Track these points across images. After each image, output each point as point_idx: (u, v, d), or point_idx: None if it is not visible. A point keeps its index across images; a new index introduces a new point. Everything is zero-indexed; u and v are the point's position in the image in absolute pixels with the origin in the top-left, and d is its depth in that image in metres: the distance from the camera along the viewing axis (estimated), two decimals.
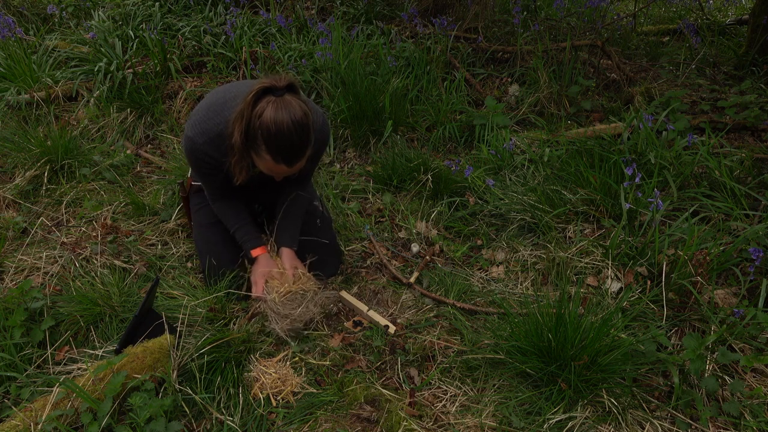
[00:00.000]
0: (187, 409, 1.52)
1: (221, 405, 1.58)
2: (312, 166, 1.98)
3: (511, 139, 2.72)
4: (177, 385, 1.54)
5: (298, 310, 1.79)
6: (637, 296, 1.84)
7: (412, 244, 2.29)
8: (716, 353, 1.61)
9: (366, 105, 2.92)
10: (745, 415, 1.52)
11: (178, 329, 1.68)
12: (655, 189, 2.06)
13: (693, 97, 3.22)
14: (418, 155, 2.65)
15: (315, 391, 1.64)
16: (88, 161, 2.79)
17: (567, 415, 1.51)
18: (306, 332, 1.85)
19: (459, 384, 1.65)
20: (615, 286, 1.91)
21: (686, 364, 1.58)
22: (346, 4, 4.24)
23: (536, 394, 1.58)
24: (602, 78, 3.42)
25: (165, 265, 2.14)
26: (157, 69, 3.35)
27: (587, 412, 1.52)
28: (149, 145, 3.15)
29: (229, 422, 1.51)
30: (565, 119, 3.06)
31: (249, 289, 1.91)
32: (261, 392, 1.62)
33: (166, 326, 1.66)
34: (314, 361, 1.74)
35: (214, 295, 1.85)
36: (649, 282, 1.90)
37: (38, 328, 1.75)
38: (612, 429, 1.50)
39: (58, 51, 3.54)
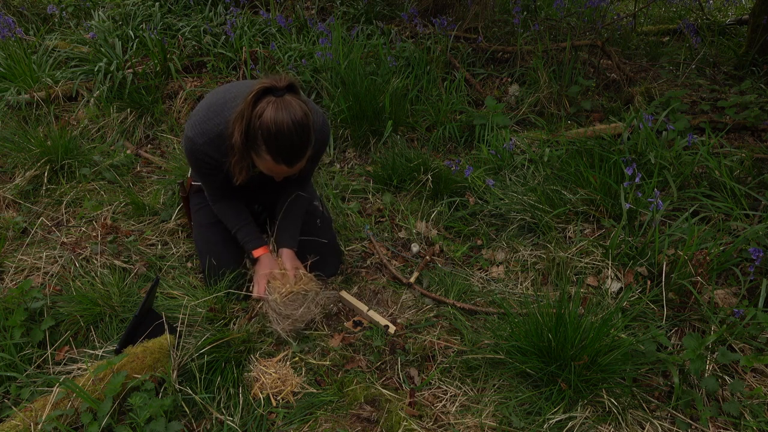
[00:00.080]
0: (187, 409, 1.52)
1: (221, 405, 1.58)
2: (312, 167, 1.98)
3: (511, 139, 2.72)
4: (177, 385, 1.54)
5: (300, 310, 1.79)
6: (637, 296, 1.84)
7: (412, 244, 2.29)
8: (716, 353, 1.61)
9: (366, 105, 2.92)
10: (745, 415, 1.52)
11: (178, 329, 1.68)
12: (655, 189, 2.06)
13: (693, 97, 3.22)
14: (418, 155, 2.65)
15: (315, 391, 1.64)
16: (88, 161, 2.79)
17: (567, 415, 1.51)
18: (306, 332, 1.85)
19: (459, 384, 1.65)
20: (615, 286, 1.91)
21: (686, 364, 1.58)
22: (346, 4, 4.24)
23: (536, 394, 1.58)
24: (602, 78, 3.42)
25: (165, 265, 2.14)
26: (157, 69, 3.35)
27: (587, 412, 1.52)
28: (149, 145, 3.15)
29: (229, 422, 1.51)
30: (565, 119, 3.06)
31: (250, 289, 1.91)
32: (261, 392, 1.62)
33: (166, 326, 1.66)
34: (314, 361, 1.74)
35: (214, 295, 1.85)
36: (649, 282, 1.90)
37: (38, 328, 1.75)
38: (612, 429, 1.50)
39: (58, 51, 3.54)
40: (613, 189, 2.22)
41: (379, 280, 2.10)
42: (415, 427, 1.48)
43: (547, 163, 2.56)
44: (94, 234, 2.30)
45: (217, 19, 3.88)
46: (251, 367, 1.69)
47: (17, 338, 1.69)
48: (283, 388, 1.63)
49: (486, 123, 2.95)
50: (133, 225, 2.41)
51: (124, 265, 2.12)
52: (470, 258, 2.23)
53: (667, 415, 1.55)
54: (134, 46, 3.49)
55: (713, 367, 1.61)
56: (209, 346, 1.63)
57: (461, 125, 3.05)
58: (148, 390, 1.46)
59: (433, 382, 1.67)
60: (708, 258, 1.81)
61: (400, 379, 1.68)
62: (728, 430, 1.51)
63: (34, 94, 3.16)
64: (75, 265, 2.08)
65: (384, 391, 1.60)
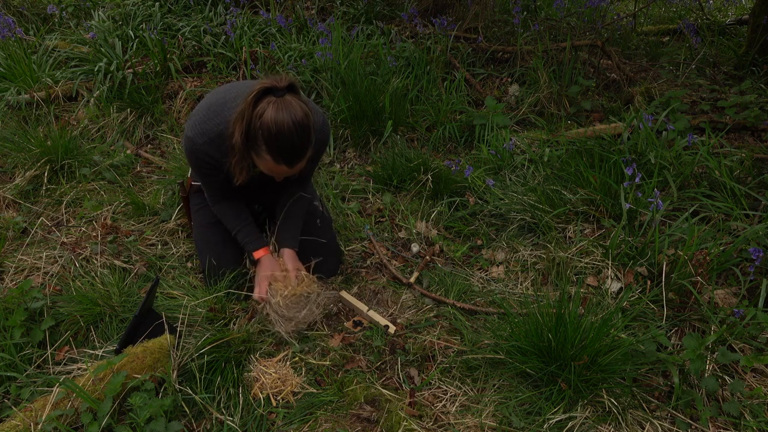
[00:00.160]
0: (187, 409, 1.52)
1: (221, 405, 1.58)
2: (312, 167, 1.98)
3: (511, 139, 2.72)
4: (177, 385, 1.54)
5: (303, 312, 1.79)
6: (637, 296, 1.84)
7: (412, 244, 2.29)
8: (716, 353, 1.61)
9: (366, 105, 2.92)
10: (745, 415, 1.53)
11: (178, 329, 1.68)
12: (655, 189, 2.06)
13: (693, 97, 3.22)
14: (418, 155, 2.65)
15: (315, 391, 1.64)
16: (88, 161, 2.79)
17: (567, 415, 1.51)
18: (306, 332, 1.85)
19: (459, 384, 1.65)
20: (615, 286, 1.91)
21: (686, 364, 1.58)
22: (346, 4, 4.24)
23: (536, 394, 1.58)
24: (602, 78, 3.42)
25: (165, 265, 2.14)
26: (157, 69, 3.35)
27: (587, 412, 1.52)
28: (149, 145, 3.15)
29: (229, 422, 1.51)
30: (565, 119, 3.06)
31: (251, 288, 1.91)
32: (261, 392, 1.62)
33: (166, 326, 1.66)
34: (314, 361, 1.74)
35: (214, 295, 1.85)
36: (649, 282, 1.90)
37: (38, 328, 1.75)
38: (612, 429, 1.50)
39: (58, 51, 3.54)
40: (613, 189, 2.22)
41: (379, 280, 2.10)
42: (415, 427, 1.48)
43: (547, 163, 2.56)
44: (94, 234, 2.30)
45: (217, 19, 3.88)
46: (251, 367, 1.69)
47: (17, 338, 1.69)
48: (283, 388, 1.63)
49: (486, 123, 2.95)
50: (133, 225, 2.41)
51: (124, 265, 2.12)
52: (470, 258, 2.23)
53: (667, 415, 1.55)
54: (134, 46, 3.49)
55: (713, 367, 1.61)
56: (209, 346, 1.63)
57: (461, 125, 3.05)
58: (148, 390, 1.46)
59: (433, 382, 1.67)
60: (708, 258, 1.81)
61: (400, 379, 1.68)
62: (728, 430, 1.51)
63: (34, 94, 3.16)
64: (75, 265, 2.08)
65: (384, 391, 1.60)
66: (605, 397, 1.53)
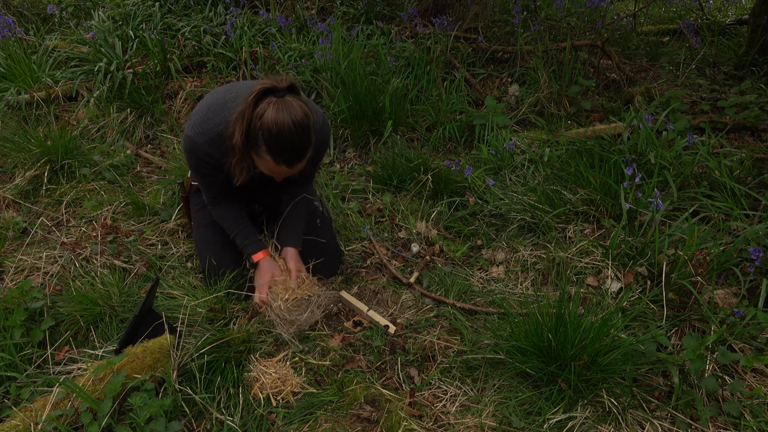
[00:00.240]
0: (187, 409, 1.52)
1: (221, 405, 1.58)
2: (313, 168, 1.98)
3: (511, 139, 2.72)
4: (177, 385, 1.54)
5: (305, 315, 1.79)
6: (637, 296, 1.84)
7: (412, 244, 2.29)
8: (716, 353, 1.61)
9: (366, 105, 2.92)
10: (745, 415, 1.53)
11: (178, 329, 1.68)
12: (655, 189, 2.06)
13: (693, 97, 3.22)
14: (418, 155, 2.65)
15: (315, 391, 1.64)
16: (88, 161, 2.79)
17: (567, 415, 1.51)
18: (306, 332, 1.85)
19: (459, 384, 1.65)
20: (615, 286, 1.91)
21: (686, 364, 1.58)
22: (346, 4, 4.24)
23: (536, 394, 1.58)
24: (602, 78, 3.42)
25: (165, 265, 2.14)
26: (157, 69, 3.35)
27: (587, 412, 1.52)
28: (149, 145, 3.15)
29: (229, 422, 1.51)
30: (565, 119, 3.06)
31: (251, 288, 1.91)
32: (261, 392, 1.62)
33: (166, 326, 1.66)
34: (314, 361, 1.74)
35: (214, 295, 1.85)
36: (649, 282, 1.90)
37: (38, 328, 1.75)
38: (612, 429, 1.50)
39: (58, 51, 3.54)
40: (613, 189, 2.22)
41: (379, 280, 2.10)
42: (415, 427, 1.48)
43: (547, 163, 2.56)
44: (94, 234, 2.30)
45: (217, 19, 3.88)
46: (251, 367, 1.69)
47: (17, 338, 1.69)
48: (283, 388, 1.63)
49: (486, 123, 2.95)
50: (133, 225, 2.41)
51: (124, 265, 2.12)
52: (470, 258, 2.23)
53: (667, 415, 1.55)
54: (134, 46, 3.49)
55: (713, 367, 1.61)
56: (209, 346, 1.63)
57: (461, 125, 3.05)
58: (148, 390, 1.46)
59: (433, 382, 1.67)
60: (708, 258, 1.81)
61: (400, 379, 1.68)
62: (728, 430, 1.51)
63: (34, 94, 3.16)
64: (75, 265, 2.08)
65: (384, 391, 1.60)
66: (605, 397, 1.53)
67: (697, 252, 1.83)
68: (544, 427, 1.49)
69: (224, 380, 1.62)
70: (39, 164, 2.67)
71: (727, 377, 1.61)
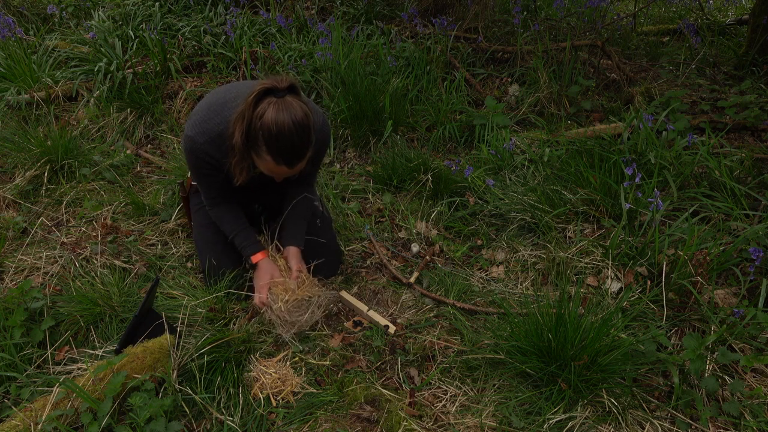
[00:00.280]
0: (187, 409, 1.52)
1: (221, 405, 1.58)
2: (314, 168, 1.97)
3: (511, 139, 2.72)
4: (177, 385, 1.54)
5: (305, 316, 1.79)
6: (637, 296, 1.84)
7: (412, 244, 2.29)
8: (716, 353, 1.61)
9: (366, 105, 2.92)
10: (745, 415, 1.53)
11: (178, 329, 1.68)
12: (655, 189, 2.06)
13: (693, 97, 3.22)
14: (418, 155, 2.65)
15: (315, 391, 1.64)
16: (88, 161, 2.79)
17: (567, 415, 1.51)
18: (306, 332, 1.85)
19: (459, 384, 1.65)
20: (615, 286, 1.91)
21: (686, 364, 1.58)
22: (346, 4, 4.24)
23: (536, 394, 1.58)
24: (602, 78, 3.42)
25: (165, 265, 2.14)
26: (157, 69, 3.35)
27: (587, 412, 1.52)
28: (149, 145, 3.15)
29: (229, 422, 1.51)
30: (565, 119, 3.06)
31: (251, 288, 1.91)
32: (261, 392, 1.62)
33: (166, 326, 1.66)
34: (314, 361, 1.74)
35: (214, 295, 1.85)
36: (649, 282, 1.90)
37: (38, 328, 1.75)
38: (612, 429, 1.50)
39: (58, 51, 3.54)
40: (613, 189, 2.22)
41: (379, 280, 2.10)
42: (415, 427, 1.48)
43: (547, 163, 2.56)
44: (94, 234, 2.30)
45: (217, 19, 3.88)
46: (251, 367, 1.69)
47: (17, 338, 1.69)
48: (283, 388, 1.63)
49: (486, 123, 2.95)
50: (133, 225, 2.41)
51: (124, 265, 2.12)
52: (470, 258, 2.23)
53: (667, 415, 1.55)
54: (134, 46, 3.49)
55: (713, 367, 1.61)
56: (209, 346, 1.63)
57: (461, 125, 3.05)
58: (148, 390, 1.46)
59: (433, 382, 1.67)
60: (708, 258, 1.81)
61: (400, 379, 1.68)
62: (728, 430, 1.51)
63: (34, 94, 3.16)
64: (75, 265, 2.08)
65: (384, 391, 1.60)
66: (605, 397, 1.53)
67: (697, 252, 1.83)
68: (544, 427, 1.49)
69: (224, 380, 1.62)
70: (39, 164, 2.67)
71: (727, 377, 1.61)
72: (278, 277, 1.83)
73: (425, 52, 3.36)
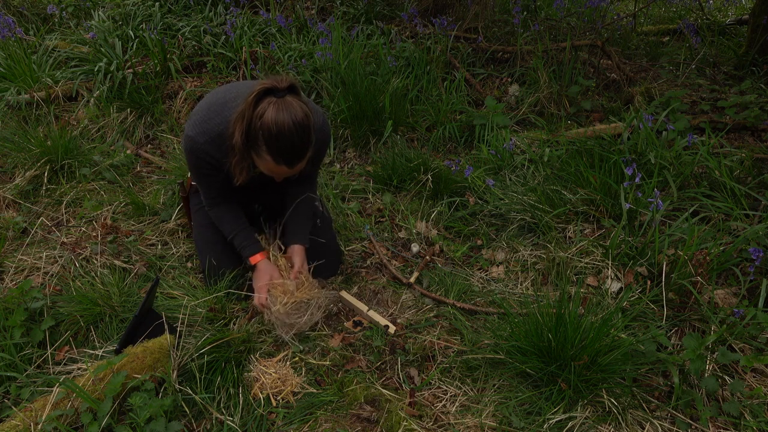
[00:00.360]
0: (187, 409, 1.52)
1: (221, 405, 1.58)
2: (314, 168, 1.98)
3: (511, 139, 2.72)
4: (177, 385, 1.54)
5: (304, 318, 1.79)
6: (637, 296, 1.84)
7: (412, 244, 2.29)
8: (716, 353, 1.61)
9: (366, 105, 2.92)
10: (745, 415, 1.53)
11: (178, 329, 1.68)
12: (655, 189, 2.06)
13: (693, 97, 3.22)
14: (418, 155, 2.65)
15: (315, 391, 1.64)
16: (88, 161, 2.79)
17: (567, 415, 1.51)
18: (306, 332, 1.85)
19: (459, 384, 1.65)
20: (615, 286, 1.91)
21: (686, 364, 1.58)
22: (346, 4, 4.24)
23: (536, 394, 1.58)
24: (602, 78, 3.42)
25: (165, 265, 2.14)
26: (157, 69, 3.35)
27: (587, 412, 1.52)
28: (149, 145, 3.15)
29: (229, 422, 1.51)
30: (565, 119, 3.06)
31: (251, 288, 1.91)
32: (261, 392, 1.62)
33: (166, 326, 1.66)
34: (314, 361, 1.74)
35: (214, 295, 1.85)
36: (649, 282, 1.90)
37: (38, 328, 1.75)
38: (612, 429, 1.50)
39: (58, 51, 3.54)
40: (613, 189, 2.22)
41: (379, 280, 2.10)
42: (415, 427, 1.48)
43: (547, 163, 2.56)
44: (94, 234, 2.30)
45: (217, 19, 3.88)
46: (251, 367, 1.69)
47: (17, 338, 1.69)
48: (283, 388, 1.63)
49: (486, 123, 2.95)
50: (133, 225, 2.41)
51: (124, 265, 2.12)
52: (470, 258, 2.23)
53: (667, 415, 1.55)
54: (134, 46, 3.49)
55: (713, 367, 1.61)
56: (209, 346, 1.63)
57: (461, 125, 3.05)
58: (148, 390, 1.46)
59: (433, 382, 1.67)
60: (708, 258, 1.81)
61: (400, 379, 1.68)
62: (728, 430, 1.51)
63: (34, 94, 3.16)
64: (75, 265, 2.08)
65: (384, 391, 1.60)
66: (605, 397, 1.53)
67: (697, 252, 1.83)
68: (544, 427, 1.49)
69: (224, 380, 1.62)
70: (39, 164, 2.67)
71: (727, 377, 1.61)
72: (277, 278, 1.83)
73: (425, 52, 3.36)
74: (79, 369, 1.63)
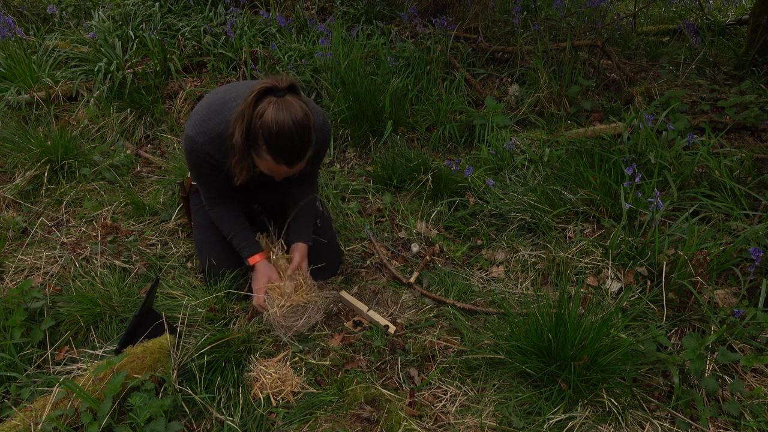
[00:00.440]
0: (187, 409, 1.52)
1: (221, 405, 1.58)
2: (314, 167, 1.98)
3: (511, 139, 2.72)
4: (177, 385, 1.54)
5: (302, 320, 1.79)
6: (637, 296, 1.84)
7: (412, 244, 2.29)
8: (716, 353, 1.61)
9: (366, 105, 2.92)
10: (745, 415, 1.53)
11: (178, 329, 1.68)
12: (655, 189, 2.06)
13: (693, 97, 3.22)
14: (418, 155, 2.65)
15: (315, 391, 1.64)
16: (88, 161, 2.79)
17: (567, 415, 1.51)
18: (306, 332, 1.85)
19: (459, 384, 1.65)
20: (615, 286, 1.91)
21: (686, 364, 1.58)
22: (346, 4, 4.24)
23: (536, 394, 1.58)
24: (602, 78, 3.42)
25: (165, 265, 2.14)
26: (157, 69, 3.35)
27: (587, 412, 1.52)
28: (149, 145, 3.15)
29: (229, 422, 1.51)
30: (565, 119, 3.06)
31: (250, 289, 1.91)
32: (261, 392, 1.62)
33: (166, 326, 1.66)
34: (314, 361, 1.74)
35: (214, 295, 1.85)
36: (649, 282, 1.90)
37: (38, 328, 1.75)
38: (612, 429, 1.50)
39: (58, 51, 3.54)
40: (613, 189, 2.22)
41: (379, 280, 2.10)
42: (415, 427, 1.48)
43: (547, 163, 2.56)
44: (94, 234, 2.30)
45: (217, 19, 3.88)
46: (251, 367, 1.69)
47: (17, 338, 1.69)
48: (283, 388, 1.63)
49: (486, 123, 2.95)
50: (133, 225, 2.41)
51: (124, 265, 2.12)
52: (470, 258, 2.23)
53: (667, 415, 1.55)
54: (134, 46, 3.49)
55: (713, 367, 1.61)
56: (209, 346, 1.63)
57: (461, 125, 3.05)
58: (148, 390, 1.46)
59: (433, 382, 1.67)
60: (708, 258, 1.81)
61: (400, 379, 1.68)
62: (728, 430, 1.51)
63: (34, 94, 3.16)
64: (75, 265, 2.08)
65: (384, 391, 1.60)
66: (605, 397, 1.53)
67: (697, 252, 1.83)
68: (544, 427, 1.49)
69: (224, 380, 1.62)
70: (39, 164, 2.67)
71: (727, 377, 1.61)
72: (276, 280, 1.83)
73: (425, 52, 3.36)
74: (79, 369, 1.63)
